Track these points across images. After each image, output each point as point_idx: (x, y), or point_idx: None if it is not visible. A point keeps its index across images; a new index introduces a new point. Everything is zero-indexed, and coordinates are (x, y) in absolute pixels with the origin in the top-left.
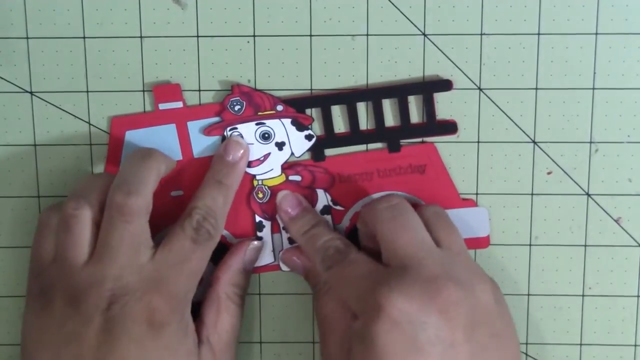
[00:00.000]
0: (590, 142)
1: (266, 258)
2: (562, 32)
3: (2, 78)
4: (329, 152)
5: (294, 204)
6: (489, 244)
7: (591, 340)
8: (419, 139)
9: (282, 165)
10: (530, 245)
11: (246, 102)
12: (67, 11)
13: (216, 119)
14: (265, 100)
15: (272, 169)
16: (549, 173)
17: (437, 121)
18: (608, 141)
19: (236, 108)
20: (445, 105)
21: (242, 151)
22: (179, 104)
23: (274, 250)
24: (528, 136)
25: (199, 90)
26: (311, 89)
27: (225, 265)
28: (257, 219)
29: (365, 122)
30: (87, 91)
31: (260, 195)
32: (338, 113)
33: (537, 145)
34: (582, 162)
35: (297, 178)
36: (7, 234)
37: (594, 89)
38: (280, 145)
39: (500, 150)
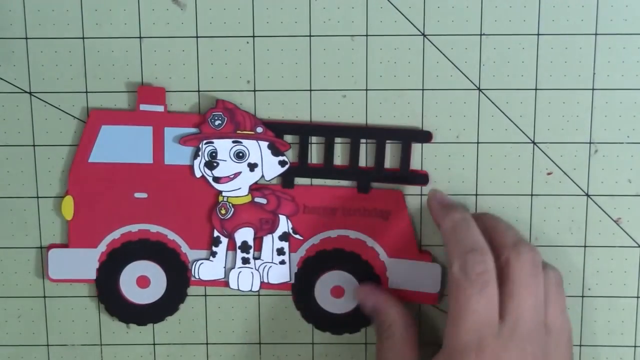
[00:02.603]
0: (590, 143)
1: (217, 273)
2: (561, 32)
3: (1, 78)
4: (298, 180)
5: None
6: (437, 302)
7: (591, 342)
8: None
9: (250, 186)
10: None
11: (228, 118)
12: (66, 11)
13: (194, 129)
14: (247, 119)
15: (240, 188)
16: (548, 174)
17: (410, 171)
18: (608, 142)
19: (216, 123)
20: (445, 106)
21: None
22: (160, 108)
23: (225, 267)
24: (527, 137)
25: (198, 91)
26: (310, 89)
27: None
28: (215, 233)
29: (340, 158)
30: (86, 91)
31: (223, 212)
32: (315, 143)
33: (537, 146)
34: (581, 163)
35: (263, 201)
36: (6, 234)
37: (593, 89)
38: (252, 167)
39: (499, 151)
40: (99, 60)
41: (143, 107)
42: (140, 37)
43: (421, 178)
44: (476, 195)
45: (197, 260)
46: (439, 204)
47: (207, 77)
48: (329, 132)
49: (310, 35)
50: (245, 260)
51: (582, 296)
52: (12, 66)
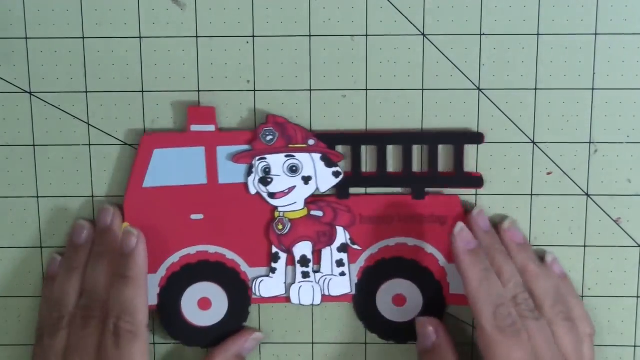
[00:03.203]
0: (590, 143)
1: (278, 289)
2: (561, 32)
3: (1, 78)
4: (353, 190)
5: (469, 239)
6: None
7: None
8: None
9: (305, 199)
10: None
11: (279, 133)
12: (66, 11)
13: (246, 147)
14: (298, 132)
15: (295, 202)
16: (548, 174)
17: (464, 173)
18: (607, 142)
19: (268, 138)
20: (445, 106)
21: (135, 240)
22: (212, 127)
23: (285, 283)
24: (527, 137)
25: (198, 91)
26: (310, 89)
27: (223, 347)
28: (274, 249)
29: (392, 165)
30: (86, 91)
31: (280, 227)
32: (367, 152)
33: (537, 146)
34: (581, 163)
35: (319, 213)
36: (6, 234)
37: (593, 89)
38: (306, 180)
39: (499, 151)
40: (99, 60)
41: (194, 127)
42: (140, 37)
43: (476, 181)
44: (476, 195)
45: (257, 277)
46: (464, 247)
47: (207, 77)
48: (381, 140)
49: (310, 35)
50: (305, 275)
51: (582, 296)
52: (12, 66)
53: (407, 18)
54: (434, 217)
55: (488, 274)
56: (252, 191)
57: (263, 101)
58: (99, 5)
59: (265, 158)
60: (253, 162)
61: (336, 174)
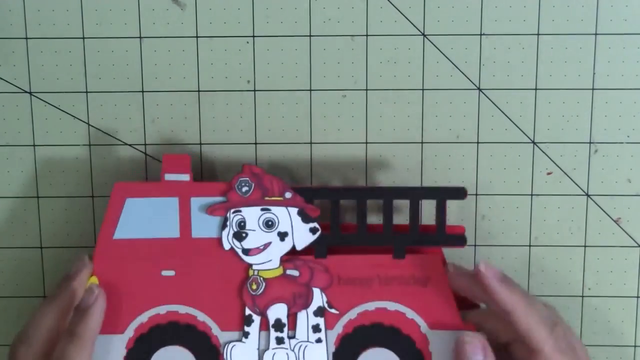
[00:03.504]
0: (590, 143)
1: (250, 356)
2: (561, 32)
3: (1, 78)
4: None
5: (477, 350)
6: None
7: (591, 341)
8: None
9: (281, 257)
10: (529, 246)
11: (255, 183)
12: (66, 11)
13: (221, 198)
14: (275, 184)
15: (270, 260)
16: (548, 174)
17: (446, 231)
18: (607, 142)
19: (244, 189)
20: (445, 106)
21: (93, 299)
22: (186, 177)
23: (258, 349)
24: (528, 137)
25: (198, 91)
26: (310, 89)
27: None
28: (247, 312)
29: (372, 218)
30: (86, 91)
31: (254, 287)
32: (346, 206)
33: (537, 146)
34: (581, 163)
35: (295, 273)
36: (6, 234)
37: (593, 89)
38: (282, 236)
39: (500, 151)
40: (99, 60)
41: (168, 176)
42: (140, 37)
43: (459, 240)
44: (476, 195)
45: (229, 342)
46: (496, 279)
47: (207, 77)
48: (360, 194)
49: (310, 35)
50: (280, 340)
51: (582, 296)
52: (12, 66)
53: (407, 18)
54: (415, 278)
55: (531, 297)
56: (226, 246)
57: (263, 101)
58: (99, 5)
59: (240, 211)
60: (228, 215)
61: (313, 230)
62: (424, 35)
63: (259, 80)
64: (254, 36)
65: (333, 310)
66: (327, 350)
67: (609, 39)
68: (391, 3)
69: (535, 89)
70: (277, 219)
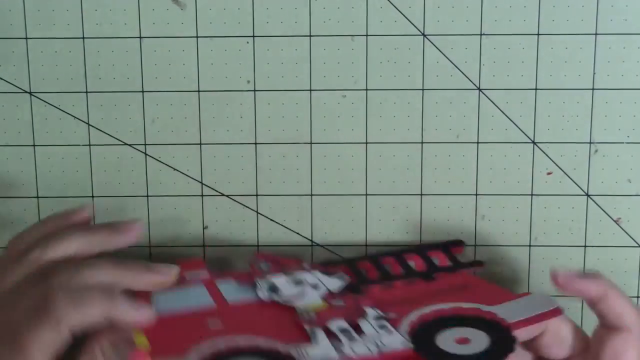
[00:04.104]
0: (590, 143)
1: (327, 352)
2: (561, 32)
3: (1, 78)
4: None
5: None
6: (561, 312)
7: None
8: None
9: (321, 296)
10: (530, 246)
11: (272, 264)
12: (66, 12)
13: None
14: (292, 263)
15: (311, 302)
16: (548, 174)
17: (461, 267)
18: (608, 142)
19: (262, 266)
20: (445, 106)
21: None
22: (205, 274)
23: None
24: (528, 137)
25: (198, 91)
26: (310, 89)
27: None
28: (308, 329)
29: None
30: (87, 92)
31: (306, 315)
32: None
33: (537, 146)
34: (581, 163)
35: (341, 303)
36: (6, 234)
37: (593, 89)
38: (314, 286)
39: (499, 151)
40: (99, 60)
41: (188, 274)
42: (140, 37)
43: (476, 264)
44: (476, 195)
45: (301, 345)
46: (573, 278)
47: (207, 77)
48: (375, 257)
49: (310, 35)
50: (351, 338)
51: None
52: (12, 66)
53: (407, 18)
54: (453, 286)
55: (612, 282)
56: (265, 297)
57: (263, 101)
58: (99, 5)
59: (266, 278)
60: (256, 281)
61: (341, 277)
62: (424, 35)
63: (259, 80)
64: (254, 36)
65: (392, 314)
66: (402, 335)
67: (609, 39)
68: (391, 3)
69: (535, 89)
70: (304, 279)
